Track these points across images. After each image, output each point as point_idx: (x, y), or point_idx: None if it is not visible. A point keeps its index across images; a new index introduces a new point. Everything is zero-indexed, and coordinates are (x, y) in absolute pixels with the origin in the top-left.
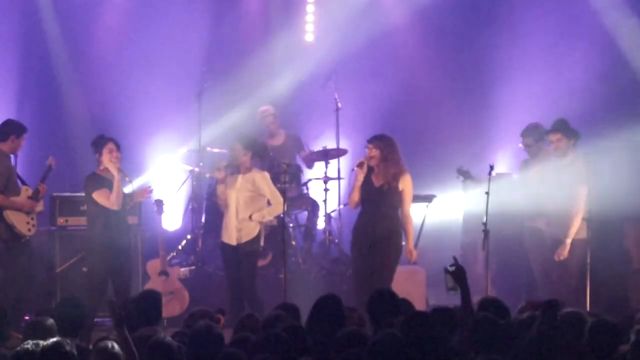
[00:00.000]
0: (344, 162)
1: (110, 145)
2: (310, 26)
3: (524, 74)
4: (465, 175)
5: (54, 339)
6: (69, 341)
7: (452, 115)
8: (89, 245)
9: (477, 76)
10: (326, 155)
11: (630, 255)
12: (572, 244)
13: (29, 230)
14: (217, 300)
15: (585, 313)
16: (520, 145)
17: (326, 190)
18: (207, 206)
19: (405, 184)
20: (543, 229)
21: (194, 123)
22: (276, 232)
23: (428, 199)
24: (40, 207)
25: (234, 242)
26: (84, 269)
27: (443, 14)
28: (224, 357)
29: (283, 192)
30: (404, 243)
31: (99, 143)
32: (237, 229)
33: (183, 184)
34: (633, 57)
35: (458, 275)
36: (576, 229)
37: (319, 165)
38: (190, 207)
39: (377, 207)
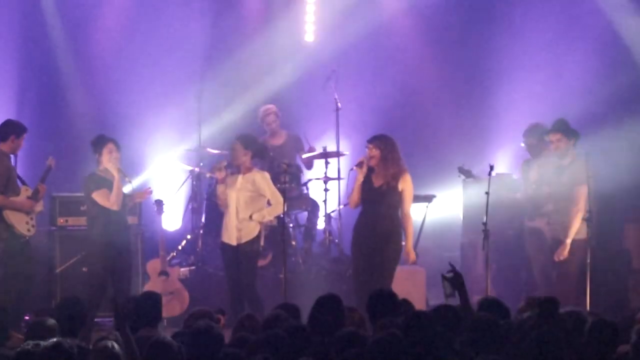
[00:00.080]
0: (344, 162)
1: (110, 146)
2: (310, 26)
3: (524, 74)
4: (467, 174)
5: (55, 339)
6: (69, 341)
7: (452, 115)
8: (89, 245)
9: (477, 76)
10: (325, 155)
11: (630, 255)
12: (572, 244)
13: (29, 230)
14: (217, 300)
15: (585, 313)
16: (522, 144)
17: (326, 190)
18: (207, 206)
19: (406, 184)
20: (543, 229)
21: (193, 123)
22: (276, 232)
23: (428, 199)
24: (40, 207)
25: (234, 242)
26: (84, 269)
27: (443, 14)
28: (224, 357)
29: (283, 192)
30: (403, 243)
31: (98, 143)
32: (237, 229)
33: (183, 184)
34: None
35: (456, 281)
36: (576, 229)
37: (319, 166)
38: (190, 207)
39: (377, 207)
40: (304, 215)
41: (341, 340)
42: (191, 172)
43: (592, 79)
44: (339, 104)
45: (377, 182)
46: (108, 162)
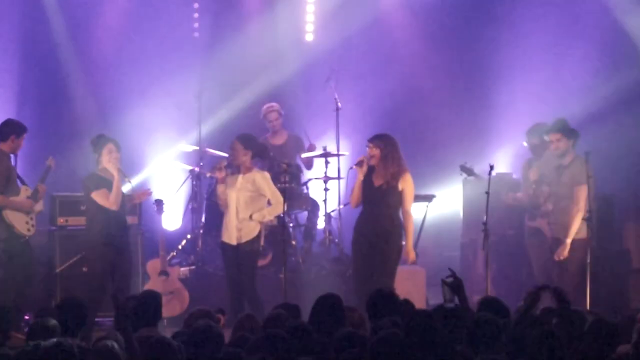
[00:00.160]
0: (344, 161)
1: (110, 146)
2: (310, 26)
3: (524, 74)
4: (469, 172)
5: (55, 339)
6: (69, 341)
7: (452, 115)
8: (89, 245)
9: (477, 76)
10: (325, 154)
11: (630, 255)
12: (572, 244)
13: (29, 230)
14: (217, 300)
15: (585, 313)
16: (525, 144)
17: (326, 190)
18: (207, 206)
19: (406, 184)
20: (543, 229)
21: (193, 122)
22: (276, 232)
23: (428, 198)
24: (40, 207)
25: (234, 242)
26: (84, 269)
27: (443, 13)
28: (224, 357)
29: (283, 192)
30: (403, 243)
31: (98, 143)
32: (238, 228)
33: (183, 184)
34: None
35: (455, 286)
36: (576, 229)
37: (319, 165)
38: (190, 207)
39: (377, 206)
40: (304, 215)
41: (341, 340)
42: (191, 172)
43: (592, 79)
44: (339, 104)
45: (377, 181)
46: (108, 162)
